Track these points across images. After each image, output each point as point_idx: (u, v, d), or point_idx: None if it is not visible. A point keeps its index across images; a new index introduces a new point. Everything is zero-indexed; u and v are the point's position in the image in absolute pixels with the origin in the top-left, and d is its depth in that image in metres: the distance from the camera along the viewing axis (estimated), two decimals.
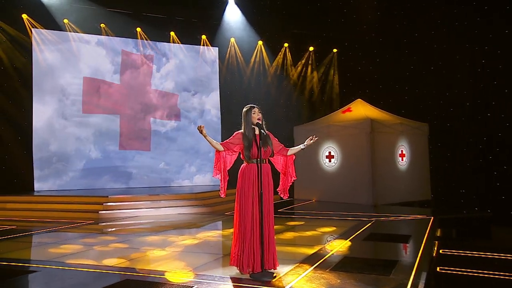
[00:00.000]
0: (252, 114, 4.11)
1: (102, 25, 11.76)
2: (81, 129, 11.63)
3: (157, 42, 12.53)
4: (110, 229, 7.38)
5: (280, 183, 4.45)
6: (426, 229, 6.66)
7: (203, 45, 12.99)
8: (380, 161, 10.42)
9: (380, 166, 10.39)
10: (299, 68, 13.67)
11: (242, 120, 4.14)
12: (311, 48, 13.63)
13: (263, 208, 4.01)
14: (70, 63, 11.61)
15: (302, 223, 7.70)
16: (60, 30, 11.42)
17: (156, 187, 11.90)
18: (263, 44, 13.42)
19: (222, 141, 4.15)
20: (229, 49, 13.27)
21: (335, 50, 13.57)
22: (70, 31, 11.53)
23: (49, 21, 11.17)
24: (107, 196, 9.29)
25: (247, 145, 4.07)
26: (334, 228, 6.97)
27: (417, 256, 4.92)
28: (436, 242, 5.77)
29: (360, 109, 11.38)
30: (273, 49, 13.47)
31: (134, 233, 6.95)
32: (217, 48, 13.16)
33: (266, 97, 13.47)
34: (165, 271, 4.40)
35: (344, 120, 11.14)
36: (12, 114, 11.17)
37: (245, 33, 13.06)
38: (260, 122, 4.09)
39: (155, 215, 8.96)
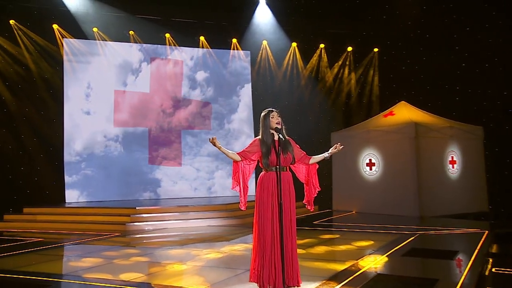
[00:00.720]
0: (271, 119, 4.06)
1: (131, 32, 12.14)
2: (110, 141, 11.99)
3: (187, 48, 12.76)
4: (134, 242, 7.51)
5: (305, 194, 4.38)
6: (478, 245, 6.31)
7: (234, 49, 13.11)
8: (427, 169, 10.09)
9: (427, 174, 10.05)
10: (336, 70, 13.51)
11: (260, 125, 4.12)
12: (349, 49, 13.44)
13: (284, 219, 3.92)
14: (99, 73, 12.02)
15: (337, 236, 7.55)
16: (90, 39, 11.88)
17: (185, 198, 12.02)
18: (297, 46, 13.37)
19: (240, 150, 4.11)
20: (260, 52, 13.32)
21: (376, 50, 13.32)
22: (99, 39, 11.97)
23: (78, 30, 11.65)
24: (135, 208, 9.49)
25: (265, 152, 4.03)
26: (372, 242, 6.76)
27: (462, 275, 4.65)
28: (490, 259, 5.42)
29: (404, 112, 11.09)
30: (307, 50, 13.41)
31: (159, 246, 7.04)
32: (248, 52, 13.24)
33: (300, 102, 13.40)
34: (181, 287, 4.40)
35: (385, 124, 10.91)
36: (43, 125, 11.68)
37: (277, 35, 13.08)
38: (279, 127, 4.02)
39: (184, 227, 9.04)
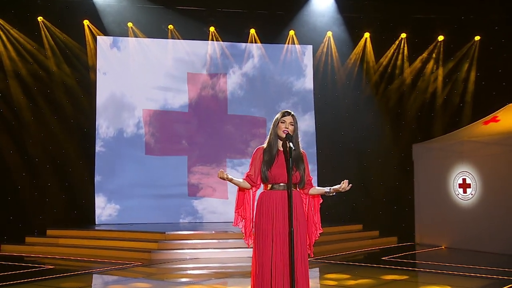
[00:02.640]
0: (280, 124, 3.95)
1: (170, 26, 12.29)
2: (147, 162, 12.16)
3: (235, 43, 12.69)
4: (159, 274, 7.55)
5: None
6: None
7: (291, 43, 12.81)
8: None
9: None
10: (418, 65, 12.65)
11: (270, 131, 4.07)
12: (440, 38, 12.53)
13: (286, 252, 3.73)
14: (134, 80, 12.28)
15: (405, 277, 6.95)
16: (123, 36, 12.20)
17: (226, 222, 11.65)
18: (370, 36, 12.73)
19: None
20: (324, 46, 12.88)
21: (477, 38, 12.29)
22: (133, 36, 12.23)
23: (112, 26, 12.00)
24: (164, 233, 9.45)
25: (267, 160, 3.93)
26: None
27: None
28: None
29: None
30: (383, 42, 12.72)
31: (189, 279, 7.08)
32: (310, 46, 12.90)
33: (370, 104, 12.70)
34: None
35: (486, 134, 10.07)
36: (73, 135, 11.97)
37: (344, 26, 12.58)
38: (291, 134, 3.87)
39: (222, 257, 8.89)
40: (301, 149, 3.99)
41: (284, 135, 3.86)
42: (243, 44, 12.73)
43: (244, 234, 4.03)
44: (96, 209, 11.85)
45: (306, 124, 12.71)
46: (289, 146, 3.72)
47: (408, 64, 12.66)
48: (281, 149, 3.96)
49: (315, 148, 12.70)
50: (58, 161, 11.84)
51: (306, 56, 12.92)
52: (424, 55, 12.64)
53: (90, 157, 11.98)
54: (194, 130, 12.47)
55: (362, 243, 10.38)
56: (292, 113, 3.99)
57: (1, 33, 11.46)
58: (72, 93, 12.03)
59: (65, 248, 9.76)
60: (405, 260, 8.65)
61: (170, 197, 12.12)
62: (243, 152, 12.45)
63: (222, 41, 12.54)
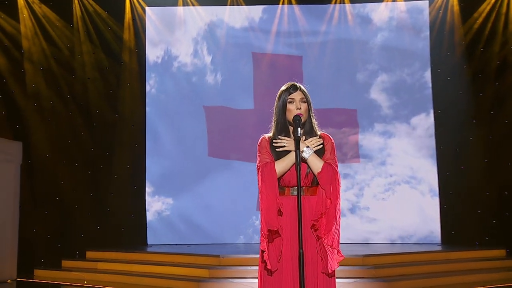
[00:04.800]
0: (288, 104, 3.73)
1: None
2: (205, 168, 11.95)
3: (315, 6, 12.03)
4: None
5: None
6: None
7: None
8: None
9: None
10: None
11: (273, 113, 3.86)
12: None
13: (306, 280, 3.50)
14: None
15: None
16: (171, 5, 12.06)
17: None
18: None
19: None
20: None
21: None
22: (184, 5, 12.05)
23: None
24: (219, 256, 9.06)
25: (276, 157, 3.72)
26: None
27: None
28: None
29: None
30: None
31: None
32: (426, 1, 11.87)
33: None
34: None
35: None
36: (123, 143, 11.90)
37: None
38: (300, 119, 3.64)
39: None
40: (318, 131, 3.77)
41: (299, 116, 3.59)
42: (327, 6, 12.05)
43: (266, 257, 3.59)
44: (147, 225, 11.78)
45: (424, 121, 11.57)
46: (298, 138, 3.49)
47: None
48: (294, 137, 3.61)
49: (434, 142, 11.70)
50: (101, 166, 11.77)
51: (422, 19, 11.97)
52: None
53: (139, 170, 11.88)
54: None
55: (507, 275, 9.15)
56: (300, 85, 3.76)
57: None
58: (116, 85, 11.99)
59: (103, 275, 9.69)
60: None
61: (235, 211, 11.83)
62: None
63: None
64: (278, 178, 3.62)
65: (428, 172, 11.40)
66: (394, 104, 11.78)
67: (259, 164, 3.67)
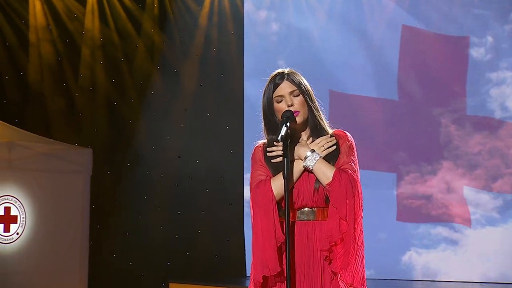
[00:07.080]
0: (274, 97, 3.07)
1: None
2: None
3: None
4: None
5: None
6: None
7: None
8: None
9: None
10: None
11: (262, 114, 3.27)
12: None
13: None
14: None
15: None
16: None
17: (463, 282, 9.65)
18: None
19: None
20: None
21: None
22: None
23: None
24: None
25: (273, 171, 3.19)
26: None
27: None
28: None
29: None
30: None
31: None
32: None
33: None
34: None
35: None
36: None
37: None
38: (291, 113, 3.03)
39: None
40: (329, 130, 3.10)
41: (290, 112, 2.99)
42: None
43: None
44: (246, 252, 10.48)
45: None
46: (283, 140, 2.90)
47: None
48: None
49: None
50: (190, 177, 10.61)
51: None
52: None
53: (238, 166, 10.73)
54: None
55: None
56: (288, 71, 3.08)
57: None
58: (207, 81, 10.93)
59: None
60: None
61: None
62: None
63: None
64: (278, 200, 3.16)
65: None
66: None
67: (250, 183, 3.26)
